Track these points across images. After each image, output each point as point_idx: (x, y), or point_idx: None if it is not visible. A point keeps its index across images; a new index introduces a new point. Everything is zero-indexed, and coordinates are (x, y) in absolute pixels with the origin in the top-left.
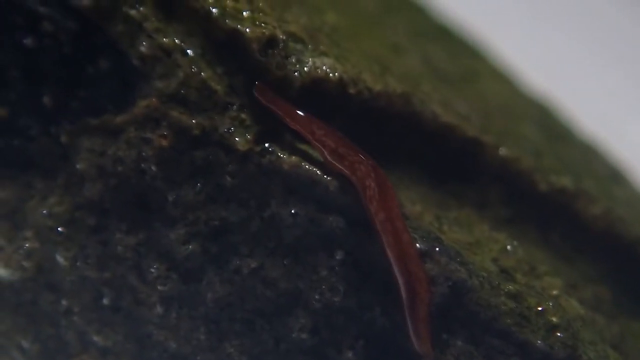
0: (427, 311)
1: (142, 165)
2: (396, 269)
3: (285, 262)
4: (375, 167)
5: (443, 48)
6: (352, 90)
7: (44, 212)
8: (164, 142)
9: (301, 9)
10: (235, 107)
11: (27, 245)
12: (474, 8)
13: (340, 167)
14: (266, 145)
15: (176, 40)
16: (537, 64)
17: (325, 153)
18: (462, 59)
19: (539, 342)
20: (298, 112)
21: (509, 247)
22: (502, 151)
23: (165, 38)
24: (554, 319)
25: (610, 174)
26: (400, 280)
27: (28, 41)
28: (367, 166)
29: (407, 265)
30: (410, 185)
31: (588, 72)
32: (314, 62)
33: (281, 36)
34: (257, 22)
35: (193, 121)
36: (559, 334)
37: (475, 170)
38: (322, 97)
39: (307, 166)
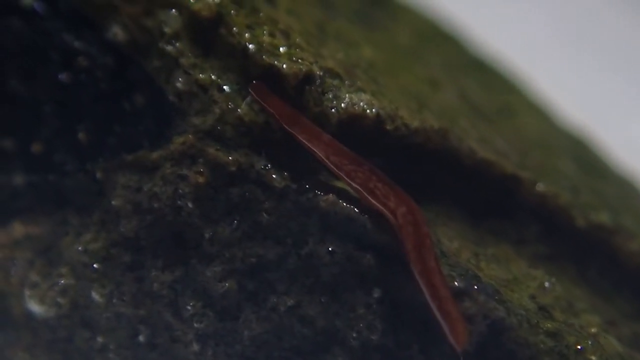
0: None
1: (178, 202)
2: (412, 258)
3: (322, 300)
4: (373, 170)
5: (479, 81)
6: (389, 127)
7: (79, 248)
8: (200, 179)
9: (337, 44)
10: (272, 142)
11: (62, 281)
12: (509, 40)
13: (343, 176)
14: (303, 182)
15: (212, 76)
16: (573, 96)
17: (323, 158)
18: (498, 92)
19: None
20: (293, 114)
21: (546, 284)
22: (540, 187)
23: (202, 74)
24: (593, 358)
25: None
26: (408, 248)
27: (63, 76)
28: (364, 171)
29: (421, 252)
30: (448, 222)
31: (624, 105)
32: (351, 98)
33: (318, 72)
34: (294, 58)
35: (230, 158)
36: None
37: (512, 206)
38: (359, 133)
39: (344, 204)
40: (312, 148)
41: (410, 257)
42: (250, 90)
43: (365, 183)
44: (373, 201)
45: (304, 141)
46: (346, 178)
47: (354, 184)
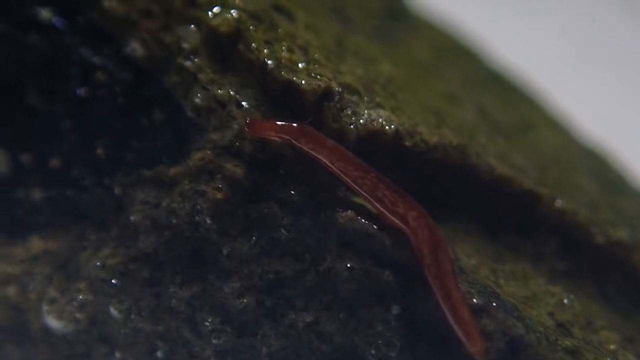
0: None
1: (197, 217)
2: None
3: (340, 316)
4: (380, 177)
5: (497, 96)
6: (408, 143)
7: (97, 263)
8: (219, 195)
9: (356, 59)
10: (290, 159)
11: (80, 297)
12: (528, 55)
13: (349, 182)
14: (321, 198)
15: (231, 92)
16: (591, 111)
17: (328, 164)
18: (516, 107)
19: None
20: (297, 129)
21: (565, 300)
22: (559, 203)
23: (220, 89)
24: None
25: None
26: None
27: (82, 91)
28: (371, 178)
29: (437, 255)
30: (466, 238)
31: None
32: (369, 114)
33: (337, 88)
34: (313, 74)
35: (248, 174)
36: None
37: (531, 222)
38: (377, 149)
39: (362, 220)
40: (318, 156)
41: (425, 261)
42: (248, 131)
43: (373, 191)
44: (381, 208)
45: (310, 151)
46: (353, 184)
47: (361, 191)
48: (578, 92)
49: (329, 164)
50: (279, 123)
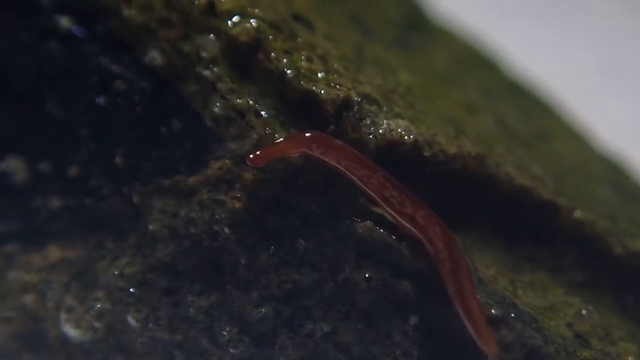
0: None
1: (215, 227)
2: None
3: (358, 327)
4: (388, 177)
5: (515, 106)
6: (426, 153)
7: (115, 272)
8: (237, 205)
9: (375, 69)
10: (308, 169)
11: (98, 305)
12: (547, 65)
13: (357, 181)
14: (340, 208)
15: (250, 101)
16: (611, 122)
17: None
18: (535, 116)
19: None
20: (303, 139)
21: (583, 311)
22: (577, 214)
23: (239, 99)
24: None
25: None
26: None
27: (101, 100)
28: (378, 177)
29: (453, 253)
30: (485, 249)
31: None
32: (388, 124)
33: (356, 98)
34: (332, 84)
35: (266, 183)
36: None
37: (549, 233)
38: (396, 159)
39: (381, 230)
40: (326, 159)
41: (441, 256)
42: (253, 164)
43: (379, 190)
44: (389, 209)
45: (321, 156)
46: (359, 183)
47: (367, 190)
48: (596, 102)
49: (335, 164)
50: (288, 141)
